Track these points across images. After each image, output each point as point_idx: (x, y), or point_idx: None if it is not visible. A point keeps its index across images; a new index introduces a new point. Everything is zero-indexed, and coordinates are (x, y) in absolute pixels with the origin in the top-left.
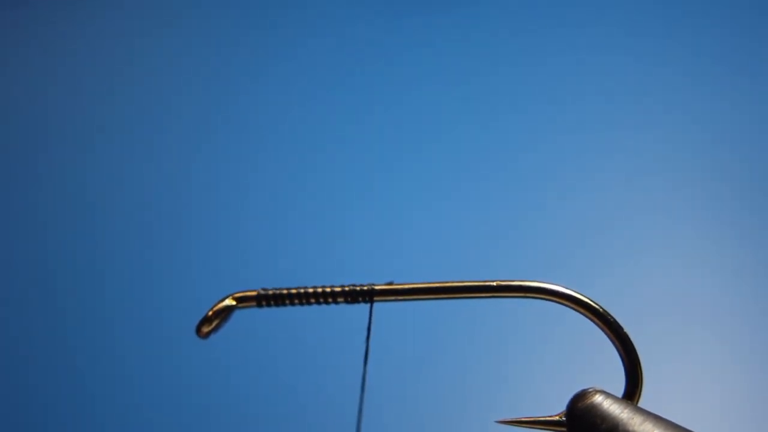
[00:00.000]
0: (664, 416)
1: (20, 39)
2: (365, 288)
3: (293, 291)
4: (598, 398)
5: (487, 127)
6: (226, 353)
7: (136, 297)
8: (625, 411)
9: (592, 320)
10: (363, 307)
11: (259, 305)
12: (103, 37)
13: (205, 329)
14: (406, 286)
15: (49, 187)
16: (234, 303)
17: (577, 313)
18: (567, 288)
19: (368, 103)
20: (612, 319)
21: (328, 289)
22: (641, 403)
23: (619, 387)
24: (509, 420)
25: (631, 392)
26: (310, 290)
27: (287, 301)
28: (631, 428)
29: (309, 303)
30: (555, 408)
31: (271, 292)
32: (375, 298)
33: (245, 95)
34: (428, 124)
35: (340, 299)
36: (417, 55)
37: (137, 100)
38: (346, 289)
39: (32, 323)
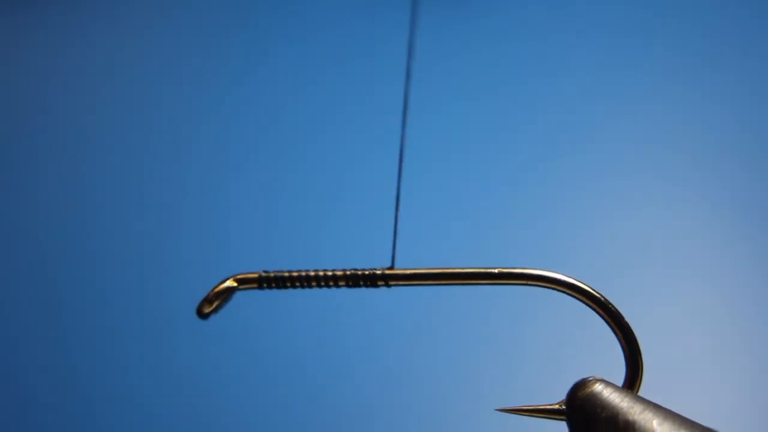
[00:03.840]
0: (664, 405)
1: (16, 39)
2: (366, 272)
3: (295, 274)
4: (598, 387)
5: (492, 123)
6: (226, 341)
7: (137, 281)
8: (625, 400)
9: (593, 309)
10: (361, 294)
11: (261, 287)
12: (98, 36)
13: (206, 310)
14: (408, 272)
15: (47, 177)
16: (235, 284)
17: (579, 302)
18: (568, 276)
19: (369, 92)
20: (613, 308)
21: (330, 273)
22: (641, 392)
23: (619, 376)
24: (509, 408)
25: (632, 381)
26: (312, 273)
27: (289, 284)
28: (630, 417)
29: (311, 286)
30: (555, 396)
31: (272, 275)
32: (376, 283)
33: (250, 81)
34: (432, 113)
35: (341, 283)
36: (422, 46)
37: (131, 92)
38: (348, 273)
39: (36, 311)
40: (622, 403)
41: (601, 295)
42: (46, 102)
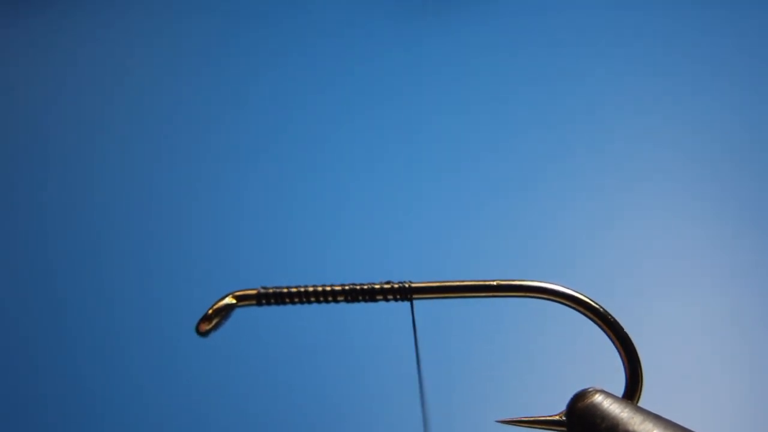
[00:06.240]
0: (664, 415)
1: (22, 40)
2: (365, 287)
3: (293, 290)
4: (598, 398)
5: (489, 132)
6: (227, 353)
7: (136, 295)
8: (625, 410)
9: (592, 320)
10: (364, 307)
11: (259, 304)
12: (103, 37)
13: (205, 327)
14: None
15: (51, 186)
16: (234, 301)
17: (578, 313)
18: (567, 288)
19: (370, 102)
20: (612, 319)
21: (329, 288)
22: (641, 403)
23: (619, 387)
24: (509, 420)
25: (632, 392)
26: (311, 289)
27: (287, 300)
28: (631, 428)
29: (309, 302)
30: (555, 408)
31: (271, 291)
32: (377, 297)
33: (247, 88)
34: (430, 122)
35: (340, 298)
36: (423, 52)
37: (137, 99)
38: (346, 288)
39: (33, 323)
40: (622, 414)
41: (600, 306)
42: (51, 103)
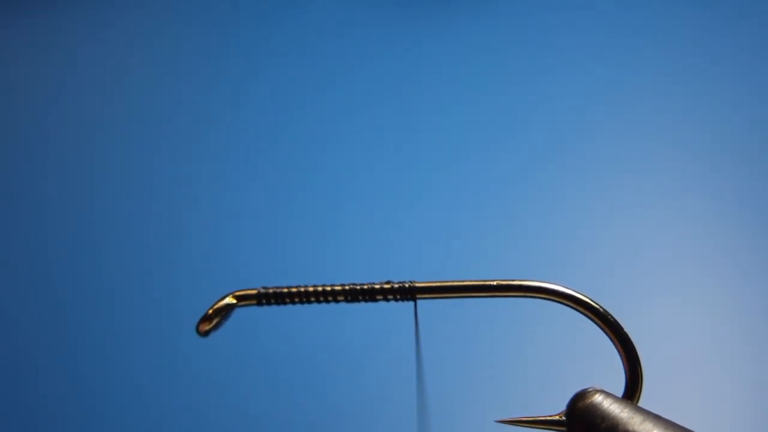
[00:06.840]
0: (664, 415)
1: (22, 39)
2: (366, 287)
3: (294, 289)
4: (598, 398)
5: (489, 129)
6: (227, 353)
7: (136, 295)
8: (625, 410)
9: (592, 320)
10: (364, 308)
11: (260, 304)
12: (103, 37)
13: (206, 327)
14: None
15: (51, 186)
16: (234, 301)
17: (578, 313)
18: (567, 288)
19: (370, 102)
20: (612, 319)
21: (329, 288)
22: (641, 403)
23: (619, 386)
24: (509, 420)
25: (631, 392)
26: (311, 289)
27: (287, 300)
28: (631, 428)
29: (309, 302)
30: (555, 408)
31: (271, 291)
32: (378, 297)
33: (247, 88)
34: (428, 122)
35: (340, 298)
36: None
37: (137, 99)
38: (347, 288)
39: (33, 323)
40: (622, 414)
41: (600, 305)
42: (51, 103)
